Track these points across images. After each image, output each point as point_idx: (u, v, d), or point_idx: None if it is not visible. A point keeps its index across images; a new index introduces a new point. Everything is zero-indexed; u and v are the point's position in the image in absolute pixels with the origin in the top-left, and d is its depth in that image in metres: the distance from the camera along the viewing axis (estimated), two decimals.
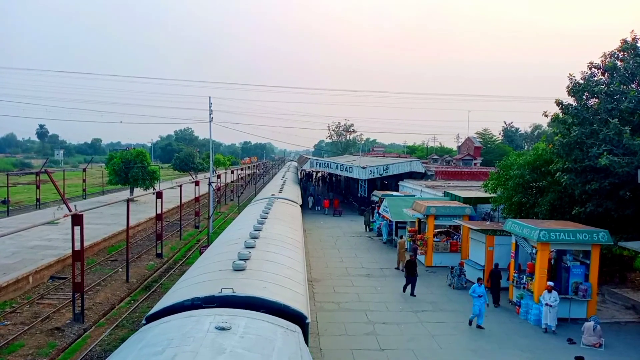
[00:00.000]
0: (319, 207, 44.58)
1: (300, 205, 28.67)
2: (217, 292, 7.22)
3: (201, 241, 32.37)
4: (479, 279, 15.92)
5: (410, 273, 18.66)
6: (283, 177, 46.53)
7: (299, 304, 7.90)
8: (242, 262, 9.01)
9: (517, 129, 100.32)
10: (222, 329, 5.63)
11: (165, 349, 5.12)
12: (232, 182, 62.95)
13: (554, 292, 14.83)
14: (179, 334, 5.54)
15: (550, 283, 15.03)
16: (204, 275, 8.91)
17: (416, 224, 24.96)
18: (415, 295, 18.43)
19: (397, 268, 22.87)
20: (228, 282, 7.76)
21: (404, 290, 18.85)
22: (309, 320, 7.57)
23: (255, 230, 12.82)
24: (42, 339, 15.86)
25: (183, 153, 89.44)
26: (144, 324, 6.83)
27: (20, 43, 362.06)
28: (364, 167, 42.53)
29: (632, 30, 17.92)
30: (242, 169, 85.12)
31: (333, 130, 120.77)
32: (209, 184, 36.71)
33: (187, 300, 7.19)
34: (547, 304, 14.80)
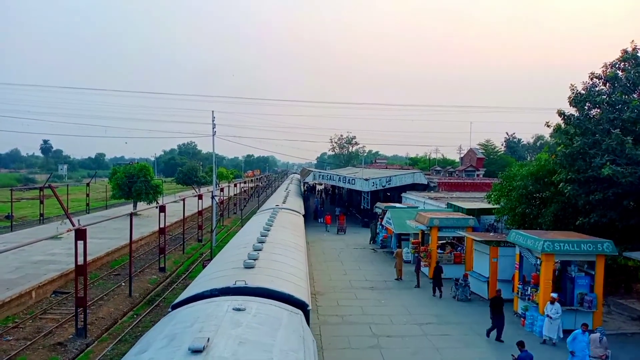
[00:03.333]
0: (322, 220, 43.93)
1: (303, 215, 28.73)
2: (232, 284, 8.28)
3: (204, 255, 32.32)
4: (583, 325, 12.96)
5: (497, 312, 15.05)
6: (286, 189, 46.60)
7: (301, 294, 8.99)
8: (252, 261, 10.01)
9: (519, 140, 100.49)
10: (238, 309, 6.68)
11: (193, 324, 6.25)
12: (235, 195, 62.99)
13: (557, 304, 14.68)
14: (204, 314, 6.62)
15: (554, 295, 14.83)
16: (219, 272, 9.99)
17: (420, 235, 24.90)
18: (502, 341, 14.86)
19: (398, 279, 22.82)
20: (240, 277, 8.68)
21: (487, 335, 15.27)
22: (309, 307, 8.66)
23: (262, 236, 13.87)
24: (44, 354, 15.80)
25: (186, 167, 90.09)
26: (170, 311, 7.88)
27: (24, 59, 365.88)
28: (366, 179, 42.53)
29: (632, 41, 18.04)
30: (244, 182, 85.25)
31: (335, 142, 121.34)
32: (212, 197, 36.76)
33: (206, 290, 8.31)
34: (547, 316, 14.67)
